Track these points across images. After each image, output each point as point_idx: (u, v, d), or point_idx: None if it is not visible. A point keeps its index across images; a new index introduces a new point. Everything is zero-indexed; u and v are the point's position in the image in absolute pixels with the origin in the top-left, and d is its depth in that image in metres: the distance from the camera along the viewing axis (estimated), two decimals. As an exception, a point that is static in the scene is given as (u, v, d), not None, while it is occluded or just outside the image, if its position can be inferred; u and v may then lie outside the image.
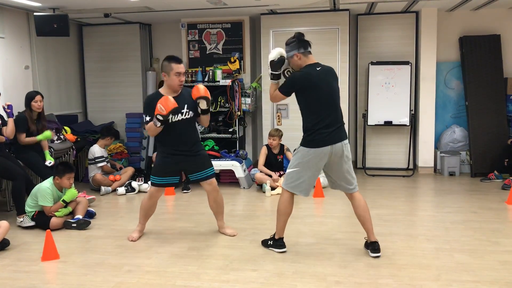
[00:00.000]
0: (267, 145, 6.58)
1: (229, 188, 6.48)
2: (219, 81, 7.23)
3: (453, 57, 7.45)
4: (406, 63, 7.19)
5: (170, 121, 4.09)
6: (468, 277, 3.43)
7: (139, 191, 6.39)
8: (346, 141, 3.81)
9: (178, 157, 4.23)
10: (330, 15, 7.05)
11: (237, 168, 6.46)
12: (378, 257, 3.83)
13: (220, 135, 7.30)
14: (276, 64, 3.83)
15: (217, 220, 4.60)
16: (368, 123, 7.33)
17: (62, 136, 6.23)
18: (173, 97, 4.05)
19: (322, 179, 6.33)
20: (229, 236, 4.46)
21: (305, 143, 3.76)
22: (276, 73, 3.87)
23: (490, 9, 7.15)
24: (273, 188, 6.18)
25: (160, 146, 4.29)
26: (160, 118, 3.97)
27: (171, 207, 5.69)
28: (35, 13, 6.18)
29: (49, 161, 5.45)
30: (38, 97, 5.42)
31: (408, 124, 7.23)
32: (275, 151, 6.52)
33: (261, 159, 6.49)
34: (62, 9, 6.42)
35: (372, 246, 3.86)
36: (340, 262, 3.77)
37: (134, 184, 6.39)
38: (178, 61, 4.13)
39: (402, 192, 6.24)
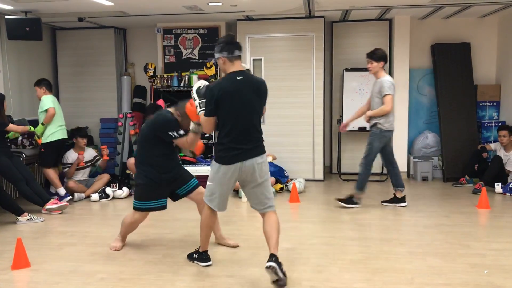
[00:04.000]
0: None
1: (205, 194, 6.45)
2: (195, 87, 7.20)
3: (426, 64, 7.60)
4: (380, 69, 7.28)
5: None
6: (440, 280, 3.50)
7: (113, 198, 6.31)
8: (259, 158, 3.46)
9: (171, 174, 4.12)
10: (305, 22, 7.12)
11: (213, 174, 6.42)
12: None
13: (196, 140, 7.25)
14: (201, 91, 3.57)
15: (216, 231, 4.24)
16: (343, 129, 7.40)
17: (34, 142, 6.10)
18: None
19: (298, 184, 6.36)
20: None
21: (216, 158, 3.53)
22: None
23: (460, 18, 7.33)
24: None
25: (152, 167, 4.02)
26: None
27: (146, 213, 5.62)
28: (6, 16, 6.06)
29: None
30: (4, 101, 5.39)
31: (382, 129, 7.31)
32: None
33: None
34: (35, 12, 6.31)
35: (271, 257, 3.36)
36: (315, 266, 3.79)
37: (108, 190, 6.29)
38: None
39: (376, 196, 6.31)
